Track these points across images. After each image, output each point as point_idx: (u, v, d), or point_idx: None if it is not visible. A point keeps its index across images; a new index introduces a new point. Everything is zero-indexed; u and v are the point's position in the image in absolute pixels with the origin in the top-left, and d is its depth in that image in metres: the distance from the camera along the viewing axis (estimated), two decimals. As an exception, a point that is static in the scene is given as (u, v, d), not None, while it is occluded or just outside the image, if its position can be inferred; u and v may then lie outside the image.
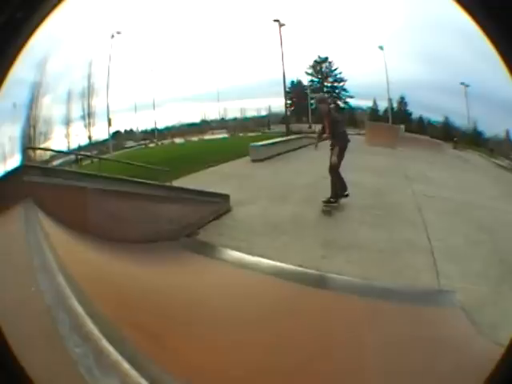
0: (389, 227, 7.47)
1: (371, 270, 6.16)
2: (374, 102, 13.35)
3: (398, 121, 12.50)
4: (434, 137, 11.58)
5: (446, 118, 11.23)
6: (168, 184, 8.64)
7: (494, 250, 6.53)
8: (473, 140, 10.46)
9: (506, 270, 5.94)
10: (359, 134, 12.91)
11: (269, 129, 14.39)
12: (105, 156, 13.00)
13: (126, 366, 2.51)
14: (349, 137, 9.19)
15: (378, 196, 8.85)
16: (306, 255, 6.55)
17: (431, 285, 5.80)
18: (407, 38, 10.51)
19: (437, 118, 11.52)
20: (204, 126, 13.90)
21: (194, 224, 7.53)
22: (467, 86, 9.20)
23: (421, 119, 12.12)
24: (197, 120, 13.97)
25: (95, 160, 13.62)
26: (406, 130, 12.38)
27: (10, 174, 6.87)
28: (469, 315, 4.74)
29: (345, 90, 14.48)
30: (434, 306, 5.26)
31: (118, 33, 12.31)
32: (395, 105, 12.75)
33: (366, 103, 13.74)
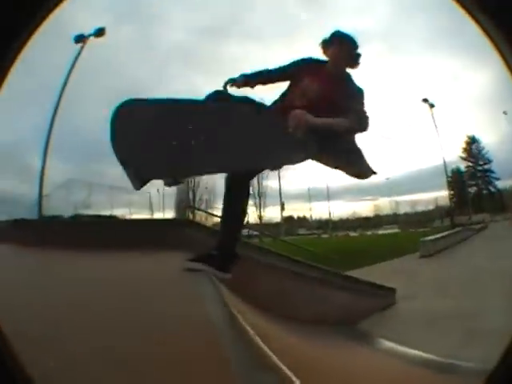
0: None
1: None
2: None
3: None
4: None
5: None
6: (338, 271, 9.11)
7: None
8: None
9: None
10: (505, 219, 12.97)
11: (441, 222, 14.48)
12: (281, 237, 13.79)
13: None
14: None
15: None
16: (454, 345, 6.72)
17: None
18: None
19: None
20: (377, 220, 14.42)
21: (360, 313, 8.04)
22: None
23: None
24: (370, 214, 14.36)
25: (264, 239, 14.34)
26: None
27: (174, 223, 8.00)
28: None
29: (492, 171, 14.20)
30: None
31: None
32: None
33: (507, 183, 13.54)
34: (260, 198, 17.23)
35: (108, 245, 6.05)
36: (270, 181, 18.25)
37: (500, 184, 14.68)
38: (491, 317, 7.71)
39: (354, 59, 4.00)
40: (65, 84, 18.43)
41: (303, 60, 4.10)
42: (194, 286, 3.68)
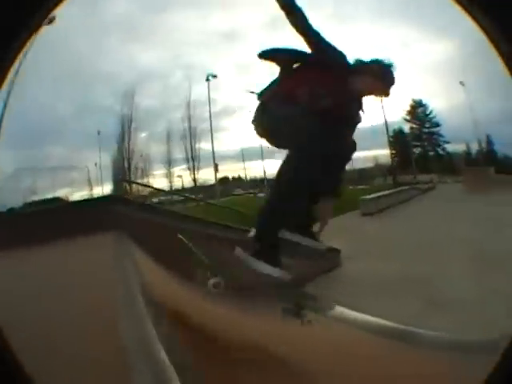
0: (490, 283, 7.17)
1: (471, 328, 5.73)
2: (467, 146, 13.22)
3: (487, 161, 12.30)
4: None
5: None
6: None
7: None
8: None
9: None
10: (457, 182, 12.80)
11: (384, 180, 14.45)
12: (212, 201, 13.30)
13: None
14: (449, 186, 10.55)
15: (481, 247, 8.69)
16: (407, 311, 6.41)
17: None
18: (483, 71, 10.38)
19: None
20: None
21: (303, 276, 7.39)
22: None
23: (505, 157, 11.82)
24: None
25: (202, 203, 14.00)
26: (495, 171, 12.14)
27: (102, 201, 7.57)
28: None
29: (441, 135, 14.30)
30: None
31: (214, 76, 12.63)
32: (483, 145, 12.54)
33: (460, 147, 13.58)
34: (194, 160, 16.65)
35: (39, 237, 5.68)
36: (203, 143, 17.69)
37: (450, 148, 14.63)
38: (444, 282, 7.52)
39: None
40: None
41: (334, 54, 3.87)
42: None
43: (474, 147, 13.02)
